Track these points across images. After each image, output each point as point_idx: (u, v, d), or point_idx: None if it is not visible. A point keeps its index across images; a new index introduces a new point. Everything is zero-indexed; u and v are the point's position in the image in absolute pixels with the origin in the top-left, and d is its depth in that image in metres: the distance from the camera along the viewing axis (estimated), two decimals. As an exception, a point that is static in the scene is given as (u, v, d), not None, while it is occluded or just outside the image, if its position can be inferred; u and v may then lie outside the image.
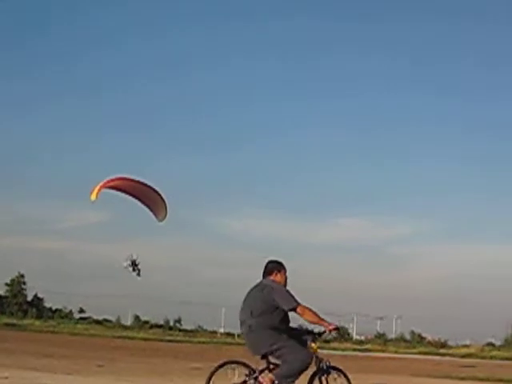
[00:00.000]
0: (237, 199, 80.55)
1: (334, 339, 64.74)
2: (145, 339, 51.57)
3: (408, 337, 67.33)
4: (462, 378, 21.25)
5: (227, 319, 70.97)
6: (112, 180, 11.74)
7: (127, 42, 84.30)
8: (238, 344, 59.38)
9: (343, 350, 54.01)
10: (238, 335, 71.12)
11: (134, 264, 12.65)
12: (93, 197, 11.55)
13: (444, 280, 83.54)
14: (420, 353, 52.96)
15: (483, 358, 48.66)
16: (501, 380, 20.81)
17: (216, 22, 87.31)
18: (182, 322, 70.95)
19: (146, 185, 11.94)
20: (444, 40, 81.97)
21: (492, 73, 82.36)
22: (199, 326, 70.49)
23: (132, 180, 11.89)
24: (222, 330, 71.35)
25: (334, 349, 53.81)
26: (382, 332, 69.55)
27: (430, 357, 45.62)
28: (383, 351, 55.75)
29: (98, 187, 11.51)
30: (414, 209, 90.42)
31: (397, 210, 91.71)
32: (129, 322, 70.28)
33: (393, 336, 68.73)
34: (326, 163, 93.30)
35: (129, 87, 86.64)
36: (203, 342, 54.46)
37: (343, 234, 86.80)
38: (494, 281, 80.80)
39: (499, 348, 60.44)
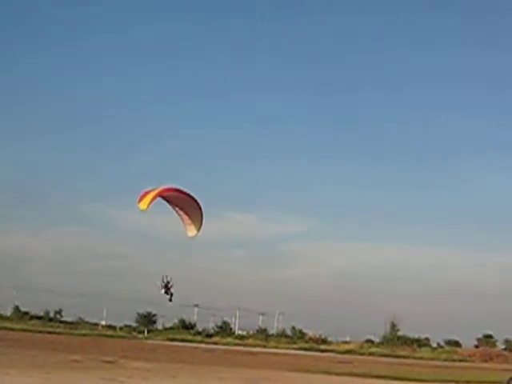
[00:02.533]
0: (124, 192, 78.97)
1: (216, 333, 64.78)
2: (24, 330, 50.21)
3: (289, 332, 68.20)
4: (339, 374, 21.16)
5: (109, 311, 69.76)
6: (167, 190, 11.37)
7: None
8: (120, 337, 58.92)
9: (225, 344, 53.79)
10: (120, 328, 70.84)
11: (166, 287, 12.13)
12: (143, 206, 11.06)
13: (327, 278, 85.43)
14: (301, 348, 53.46)
15: (362, 354, 49.76)
16: (377, 376, 20.92)
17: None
18: (63, 314, 69.73)
19: (194, 199, 11.74)
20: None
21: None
22: (80, 318, 68.93)
23: (183, 192, 11.60)
24: (103, 323, 70.07)
25: (216, 343, 53.45)
26: (263, 327, 70.09)
27: (310, 352, 46.07)
28: (264, 346, 55.94)
29: (150, 196, 11.00)
30: (305, 207, 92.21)
31: (287, 207, 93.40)
32: (8, 312, 68.35)
33: (274, 331, 69.45)
34: (223, 160, 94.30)
35: None
36: (84, 335, 53.06)
37: (232, 230, 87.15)
38: (374, 280, 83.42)
39: (378, 345, 62.32)
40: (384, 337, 64.50)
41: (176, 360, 26.69)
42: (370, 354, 51.57)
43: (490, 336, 73.34)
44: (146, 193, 11.12)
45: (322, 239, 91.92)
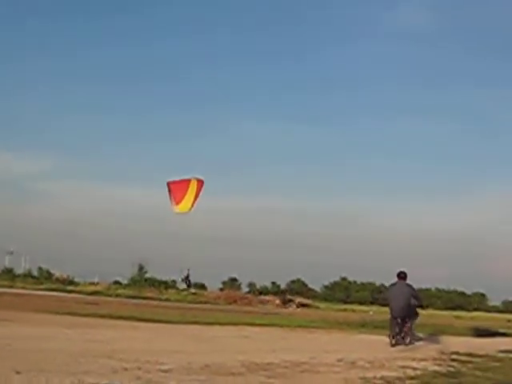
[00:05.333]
0: None
1: None
2: None
3: (36, 273, 66.49)
4: (85, 315, 21.31)
5: None
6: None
7: None
8: None
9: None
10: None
11: (187, 279, 10.98)
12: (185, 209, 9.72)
13: (75, 217, 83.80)
14: (47, 289, 52.37)
15: (109, 295, 50.11)
16: (121, 317, 21.38)
17: None
18: None
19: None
20: None
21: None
22: None
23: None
24: None
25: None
26: (10, 267, 67.48)
27: (56, 293, 45.22)
28: (11, 287, 53.90)
29: (192, 199, 9.68)
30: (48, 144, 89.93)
31: (37, 144, 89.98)
32: None
33: (21, 271, 67.20)
34: None
35: None
36: None
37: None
38: (123, 220, 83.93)
39: (125, 286, 63.17)
40: (131, 278, 65.60)
41: None
42: (117, 295, 52.16)
43: (234, 279, 78.51)
44: (180, 191, 10.28)
45: (67, 177, 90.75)
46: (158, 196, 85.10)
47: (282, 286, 78.56)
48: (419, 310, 18.21)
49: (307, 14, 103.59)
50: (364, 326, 27.29)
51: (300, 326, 24.27)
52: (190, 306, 40.30)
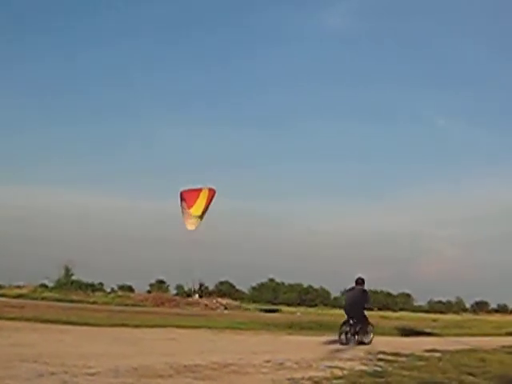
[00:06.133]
0: None
1: None
2: None
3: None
4: (10, 319, 20.84)
5: None
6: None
7: None
8: None
9: None
10: None
11: (200, 289, 10.70)
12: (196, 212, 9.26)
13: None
14: (-36, 293, 50.72)
15: (35, 298, 48.91)
16: (47, 320, 21.01)
17: None
18: None
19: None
20: None
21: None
22: None
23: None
24: None
25: None
26: None
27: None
28: None
29: (203, 206, 9.30)
30: None
31: None
32: None
33: None
34: None
35: None
36: None
37: None
38: (49, 223, 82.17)
39: (51, 289, 61.73)
40: (58, 281, 64.19)
41: None
42: (43, 298, 50.95)
43: (162, 281, 78.00)
44: (192, 198, 10.40)
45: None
46: (85, 197, 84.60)
47: (210, 288, 78.56)
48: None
49: (236, 16, 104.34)
50: (291, 327, 27.67)
51: (228, 328, 24.41)
52: (118, 308, 39.79)
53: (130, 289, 70.17)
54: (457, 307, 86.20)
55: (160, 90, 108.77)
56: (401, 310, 73.82)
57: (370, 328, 19.84)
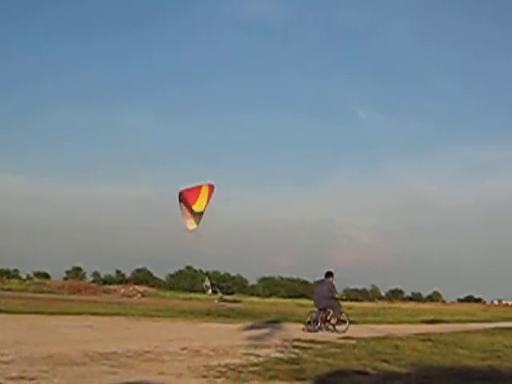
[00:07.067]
0: None
1: None
2: None
3: None
4: None
5: None
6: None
7: None
8: None
9: None
10: None
11: (212, 285, 10.11)
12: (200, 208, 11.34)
13: None
14: None
15: None
16: None
17: None
18: None
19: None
20: None
21: None
22: None
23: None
24: None
25: None
26: None
27: None
28: None
29: (205, 202, 11.44)
30: None
31: None
32: None
33: None
34: None
35: None
36: None
37: None
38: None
39: None
40: None
41: None
42: None
43: (79, 269, 76.66)
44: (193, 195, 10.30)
45: None
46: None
47: (128, 275, 77.84)
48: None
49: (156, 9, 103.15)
50: (208, 314, 27.80)
51: (144, 315, 24.29)
52: (33, 295, 38.99)
53: (46, 276, 68.71)
54: (372, 295, 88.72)
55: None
56: (318, 297, 74.96)
57: (344, 317, 21.72)
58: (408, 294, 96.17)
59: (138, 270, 78.81)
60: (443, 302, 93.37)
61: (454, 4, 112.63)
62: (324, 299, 21.11)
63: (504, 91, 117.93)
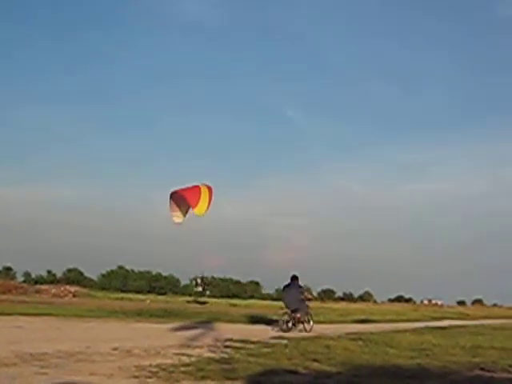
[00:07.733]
0: None
1: None
2: None
3: None
4: None
5: None
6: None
7: None
8: None
9: None
10: None
11: (202, 281, 9.61)
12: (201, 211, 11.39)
13: None
14: None
15: None
16: None
17: None
18: None
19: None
20: None
21: None
22: None
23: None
24: None
25: None
26: None
27: None
28: None
29: (207, 204, 11.46)
30: None
31: None
32: None
33: None
34: None
35: None
36: None
37: None
38: None
39: None
40: None
41: None
42: None
43: (9, 268, 74.83)
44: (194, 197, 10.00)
45: None
46: None
47: (59, 275, 76.45)
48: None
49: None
50: (140, 314, 27.74)
51: (76, 316, 24.07)
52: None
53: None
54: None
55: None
56: (250, 297, 75.57)
57: (309, 317, 23.32)
58: (339, 294, 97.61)
59: (70, 270, 77.38)
60: (374, 301, 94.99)
61: (388, 4, 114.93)
62: (294, 301, 22.55)
63: (439, 94, 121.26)
